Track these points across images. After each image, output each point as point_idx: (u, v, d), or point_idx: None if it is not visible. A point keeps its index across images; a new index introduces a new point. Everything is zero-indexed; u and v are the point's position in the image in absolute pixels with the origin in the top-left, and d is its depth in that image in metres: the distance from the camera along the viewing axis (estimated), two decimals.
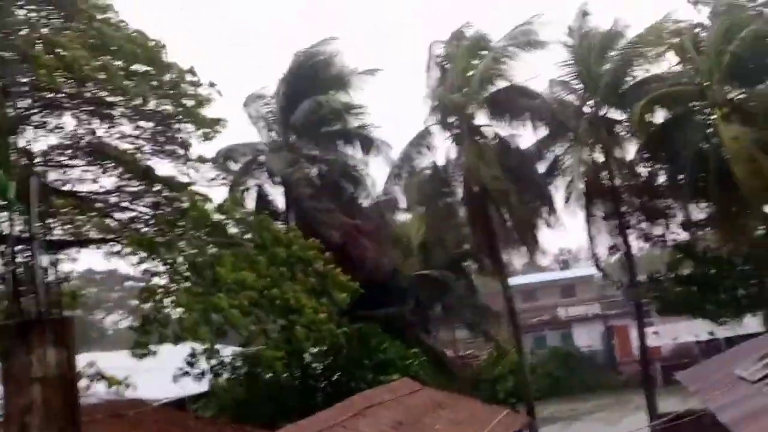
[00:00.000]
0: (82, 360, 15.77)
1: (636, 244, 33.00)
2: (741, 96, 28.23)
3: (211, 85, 18.95)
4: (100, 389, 16.81)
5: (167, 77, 18.18)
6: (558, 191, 32.09)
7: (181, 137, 19.94)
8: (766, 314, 32.22)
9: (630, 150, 31.46)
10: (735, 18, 27.70)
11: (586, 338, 53.09)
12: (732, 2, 29.03)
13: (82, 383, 15.99)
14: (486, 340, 39.28)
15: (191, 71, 18.60)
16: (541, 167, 32.28)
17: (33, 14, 16.45)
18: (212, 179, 21.05)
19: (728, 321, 31.89)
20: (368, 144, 30.89)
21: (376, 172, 31.53)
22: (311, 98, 29.18)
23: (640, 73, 30.87)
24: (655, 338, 42.52)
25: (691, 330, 43.74)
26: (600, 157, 31.18)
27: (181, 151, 20.07)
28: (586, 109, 31.66)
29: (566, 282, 68.73)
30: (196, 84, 18.82)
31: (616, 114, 31.45)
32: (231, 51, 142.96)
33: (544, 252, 35.02)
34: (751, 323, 33.05)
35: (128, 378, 15.48)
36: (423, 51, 32.09)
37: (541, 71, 31.09)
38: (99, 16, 16.52)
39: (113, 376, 15.54)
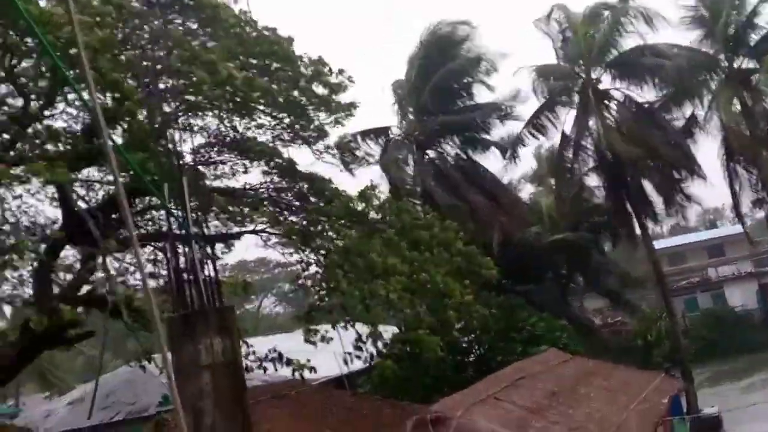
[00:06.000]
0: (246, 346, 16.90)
1: None
2: None
3: (341, 72, 19.88)
4: (259, 373, 17.75)
5: (302, 70, 19.23)
6: (697, 149, 31.20)
7: (315, 125, 21.00)
8: None
9: None
10: None
11: (740, 298, 51.02)
12: None
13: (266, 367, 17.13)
14: (627, 309, 38.65)
15: (321, 61, 19.58)
16: (676, 126, 31.38)
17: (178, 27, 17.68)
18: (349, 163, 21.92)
19: None
20: (498, 116, 30.62)
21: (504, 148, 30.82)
22: (445, 68, 29.38)
23: None
24: None
25: None
26: (738, 111, 30.07)
27: (317, 137, 21.13)
28: (719, 63, 30.68)
29: (714, 242, 66.11)
30: (327, 73, 19.77)
31: (750, 65, 30.31)
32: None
33: (688, 213, 34.07)
34: None
35: (309, 360, 16.35)
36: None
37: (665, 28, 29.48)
38: (234, 22, 17.56)
39: (298, 360, 16.52)
